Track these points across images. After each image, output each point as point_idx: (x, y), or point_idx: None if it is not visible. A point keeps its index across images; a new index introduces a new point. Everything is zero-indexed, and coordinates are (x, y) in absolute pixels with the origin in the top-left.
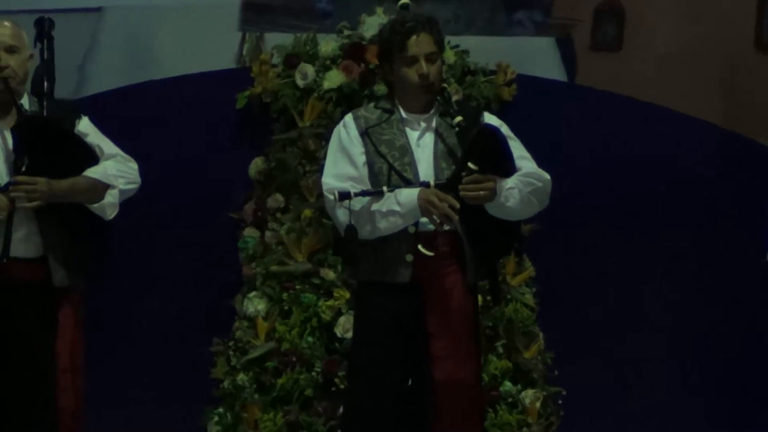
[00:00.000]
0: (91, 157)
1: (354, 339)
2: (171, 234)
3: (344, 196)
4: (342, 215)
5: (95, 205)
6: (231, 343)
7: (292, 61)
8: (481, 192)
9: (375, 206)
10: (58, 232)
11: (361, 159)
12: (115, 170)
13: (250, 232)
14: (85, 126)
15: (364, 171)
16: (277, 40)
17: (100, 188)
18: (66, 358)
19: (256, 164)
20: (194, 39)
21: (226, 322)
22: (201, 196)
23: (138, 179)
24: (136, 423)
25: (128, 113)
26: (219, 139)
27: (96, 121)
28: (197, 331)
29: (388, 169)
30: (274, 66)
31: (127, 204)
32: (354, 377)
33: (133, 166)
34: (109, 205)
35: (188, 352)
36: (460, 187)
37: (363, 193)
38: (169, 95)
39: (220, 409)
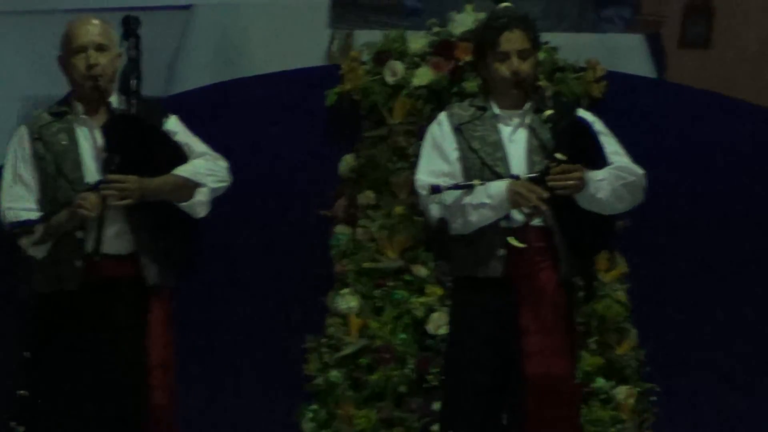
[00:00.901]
0: (180, 155)
1: (450, 335)
2: (263, 232)
3: (436, 189)
4: (434, 209)
5: (185, 203)
6: (324, 340)
7: (381, 58)
8: (570, 181)
9: (466, 199)
10: (149, 230)
11: (454, 155)
12: (205, 168)
13: (341, 229)
14: (173, 124)
15: (458, 167)
16: (367, 37)
17: (190, 187)
18: (157, 356)
19: (347, 161)
20: (284, 36)
21: (318, 318)
22: (292, 194)
23: (227, 177)
24: (230, 420)
25: (218, 111)
26: (309, 137)
27: (185, 119)
28: (290, 328)
29: (480, 164)
30: (363, 63)
31: (218, 201)
32: (449, 373)
33: (223, 164)
34: (199, 204)
35: (281, 348)
36: (548, 177)
37: (454, 187)
38: (258, 93)
39: (314, 406)
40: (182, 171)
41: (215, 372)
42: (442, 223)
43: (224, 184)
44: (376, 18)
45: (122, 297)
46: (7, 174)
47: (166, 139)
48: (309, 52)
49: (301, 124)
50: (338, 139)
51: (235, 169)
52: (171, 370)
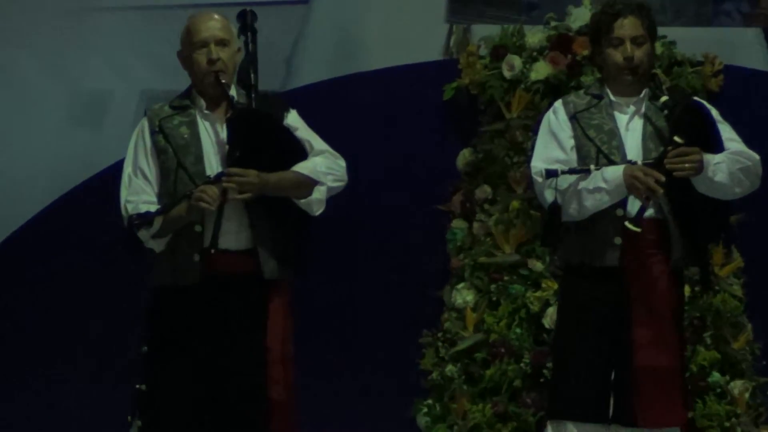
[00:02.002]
0: (301, 151)
1: (558, 323)
2: (379, 226)
3: (551, 173)
4: (549, 195)
5: (302, 200)
6: (440, 335)
7: (499, 52)
8: (687, 164)
9: (582, 184)
10: (268, 225)
11: (569, 143)
12: (324, 167)
13: (458, 224)
14: (293, 120)
15: (573, 155)
16: (485, 31)
17: (308, 184)
18: (276, 350)
19: (464, 156)
20: (401, 31)
21: (434, 313)
22: (409, 188)
23: (345, 177)
24: (346, 414)
25: (335, 105)
26: (426, 131)
27: (303, 114)
28: (406, 322)
29: (596, 152)
30: (481, 57)
31: (336, 196)
32: (558, 361)
33: (341, 163)
34: (316, 201)
35: (397, 343)
36: (666, 159)
37: (570, 171)
38: (376, 87)
39: (429, 400)
40: (302, 168)
41: (332, 366)
42: (556, 208)
43: (341, 184)
44: (493, 12)
45: (241, 292)
46: (128, 166)
47: (288, 135)
48: (427, 46)
49: (418, 119)
50: (456, 134)
51: (352, 163)
52: (290, 365)
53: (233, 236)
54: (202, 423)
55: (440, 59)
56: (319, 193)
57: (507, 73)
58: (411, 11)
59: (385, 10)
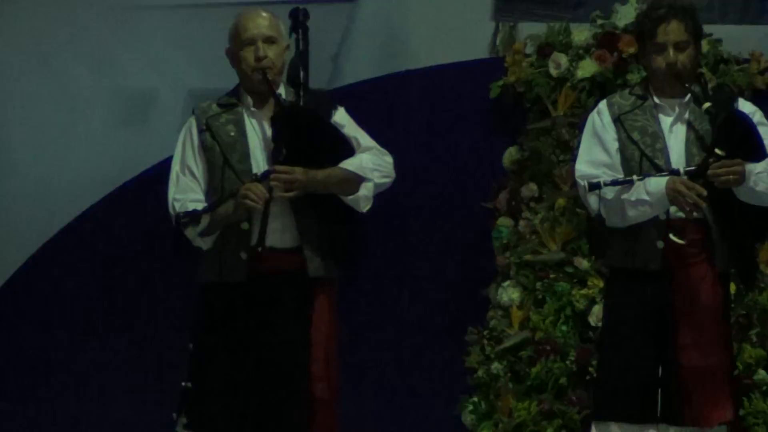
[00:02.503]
0: (347, 148)
1: (603, 325)
2: (425, 224)
3: (594, 186)
4: (593, 203)
5: (350, 197)
6: (485, 332)
7: (545, 50)
8: (730, 176)
9: (624, 195)
10: (314, 222)
11: (613, 145)
12: (371, 163)
13: (503, 222)
14: (341, 117)
15: (617, 157)
16: (531, 29)
17: (355, 181)
18: (320, 348)
19: (510, 154)
20: (448, 29)
21: (480, 311)
22: (455, 186)
23: (392, 173)
24: (390, 412)
25: (382, 103)
26: (472, 129)
27: (351, 112)
28: (452, 320)
29: (639, 155)
30: (527, 55)
31: (383, 193)
32: (604, 362)
33: (389, 159)
34: (363, 198)
35: (443, 341)
36: (708, 171)
37: (613, 183)
38: (422, 85)
39: (475, 398)
40: (349, 165)
41: (378, 364)
42: (598, 217)
43: (389, 180)
44: (540, 10)
45: (286, 289)
46: (176, 164)
47: (334, 132)
48: (473, 44)
49: (464, 117)
50: (502, 132)
51: (398, 161)
52: (334, 363)
53: (279, 234)
54: (246, 420)
55: (486, 57)
56: (366, 190)
57: (553, 71)
58: (457, 9)
59: (432, 8)
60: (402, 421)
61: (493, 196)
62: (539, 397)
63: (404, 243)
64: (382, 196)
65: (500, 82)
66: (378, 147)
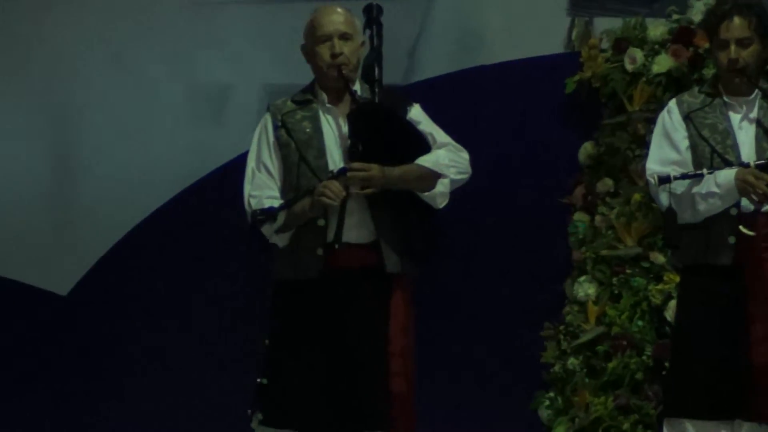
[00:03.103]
0: (424, 145)
1: (675, 321)
2: (501, 219)
3: (664, 180)
4: (664, 199)
5: (426, 193)
6: (561, 328)
7: (621, 45)
8: None
9: (695, 189)
10: (390, 218)
11: (684, 143)
12: (447, 159)
13: (579, 217)
14: (416, 113)
15: (688, 155)
16: (606, 24)
17: (432, 177)
18: (398, 343)
19: (586, 149)
20: (523, 24)
21: (556, 306)
22: (530, 181)
23: (469, 169)
24: (468, 407)
25: (457, 99)
26: (548, 124)
27: (426, 107)
28: (527, 315)
29: (710, 152)
30: (603, 51)
31: (458, 189)
32: (676, 358)
33: (465, 156)
34: (439, 194)
35: (519, 336)
36: None
37: (682, 177)
38: (497, 81)
39: (551, 393)
40: (425, 161)
41: (454, 359)
42: (671, 212)
43: (465, 176)
44: (615, 5)
45: (363, 285)
46: (251, 161)
47: (410, 128)
48: (548, 39)
49: (540, 112)
50: (577, 127)
51: (473, 157)
52: (410, 358)
53: (355, 230)
54: (323, 416)
55: (562, 52)
56: (442, 186)
57: (629, 66)
58: (533, 4)
59: (508, 3)
60: (479, 416)
61: (568, 192)
62: (615, 392)
63: (480, 238)
64: (457, 192)
65: (576, 78)
66: (454, 143)
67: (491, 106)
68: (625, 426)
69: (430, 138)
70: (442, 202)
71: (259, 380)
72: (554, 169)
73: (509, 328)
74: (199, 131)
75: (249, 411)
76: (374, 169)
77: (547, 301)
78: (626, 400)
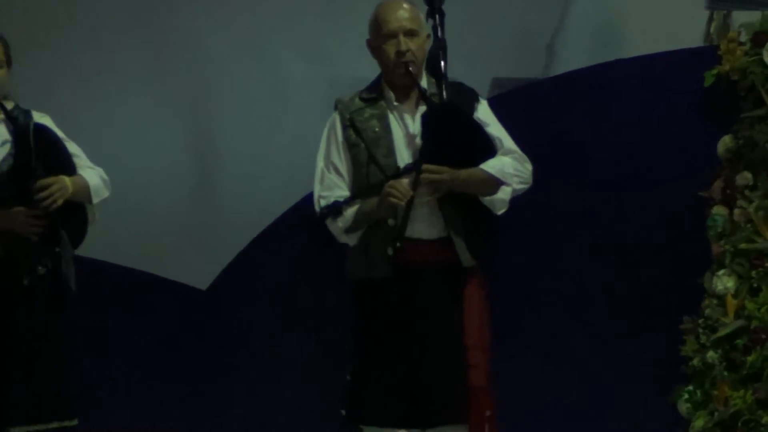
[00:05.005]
0: (490, 149)
1: None
2: (639, 213)
3: None
4: None
5: (486, 198)
6: (700, 321)
7: (760, 38)
8: None
9: None
10: (460, 213)
11: None
12: (512, 168)
13: (718, 210)
14: (484, 113)
15: None
16: (745, 17)
17: (495, 183)
18: (475, 337)
19: (725, 142)
20: (661, 18)
21: (695, 300)
22: (668, 175)
23: (530, 180)
24: (606, 401)
25: (595, 92)
26: (686, 118)
27: (565, 100)
28: (667, 309)
29: None
30: (741, 44)
31: (597, 182)
32: None
33: (529, 167)
34: (499, 201)
35: (658, 329)
36: None
37: None
38: (636, 74)
39: (690, 387)
40: (490, 167)
41: (593, 352)
42: None
43: (526, 186)
44: None
45: (437, 280)
46: (320, 161)
47: (480, 132)
48: (687, 33)
49: (678, 105)
50: (716, 121)
51: (611, 150)
52: (488, 351)
53: (426, 226)
54: (404, 411)
55: (700, 46)
56: (503, 194)
57: None
58: None
59: None
60: (617, 409)
61: (707, 185)
62: (755, 385)
63: (618, 232)
64: (592, 184)
65: (714, 71)
66: (520, 152)
67: (629, 99)
68: (765, 419)
69: (497, 142)
70: (500, 209)
71: (348, 378)
72: (693, 163)
73: (648, 321)
74: None
75: (342, 411)
76: (443, 172)
77: (686, 295)
78: (766, 394)
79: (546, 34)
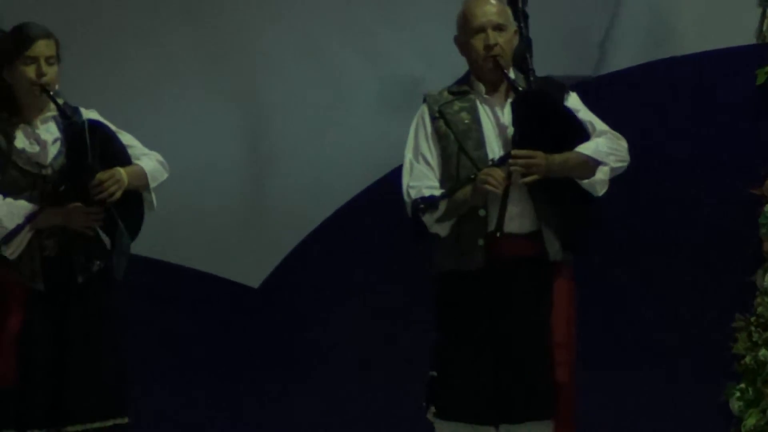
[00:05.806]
0: (583, 132)
1: None
2: (691, 210)
3: None
4: None
5: (585, 181)
6: (753, 319)
7: None
8: None
9: None
10: (551, 207)
11: None
12: (606, 147)
13: None
14: (574, 102)
15: None
16: None
17: (592, 165)
18: (561, 333)
19: None
20: (714, 15)
21: (747, 297)
22: (721, 172)
23: (628, 158)
24: (656, 397)
25: (647, 90)
26: (738, 115)
27: (616, 98)
28: (719, 306)
29: None
30: None
31: (645, 179)
32: None
33: (624, 144)
34: (599, 182)
35: (709, 327)
36: None
37: None
38: (688, 71)
39: (742, 385)
40: (585, 149)
41: (644, 349)
42: None
43: (624, 164)
44: None
45: (526, 275)
46: (408, 152)
47: (571, 116)
48: (739, 30)
49: (730, 103)
50: (767, 118)
51: (663, 148)
52: (573, 348)
53: (517, 220)
54: (492, 406)
55: (753, 43)
56: (602, 174)
57: None
58: None
59: None
60: (668, 406)
61: (759, 183)
62: None
63: (670, 230)
64: (644, 182)
65: (766, 69)
66: (612, 131)
67: (682, 97)
68: None
69: (589, 126)
70: (601, 190)
71: (431, 373)
72: (745, 160)
73: (700, 319)
74: (391, 123)
75: (423, 404)
76: (538, 156)
77: (738, 292)
78: None
79: (597, 32)
